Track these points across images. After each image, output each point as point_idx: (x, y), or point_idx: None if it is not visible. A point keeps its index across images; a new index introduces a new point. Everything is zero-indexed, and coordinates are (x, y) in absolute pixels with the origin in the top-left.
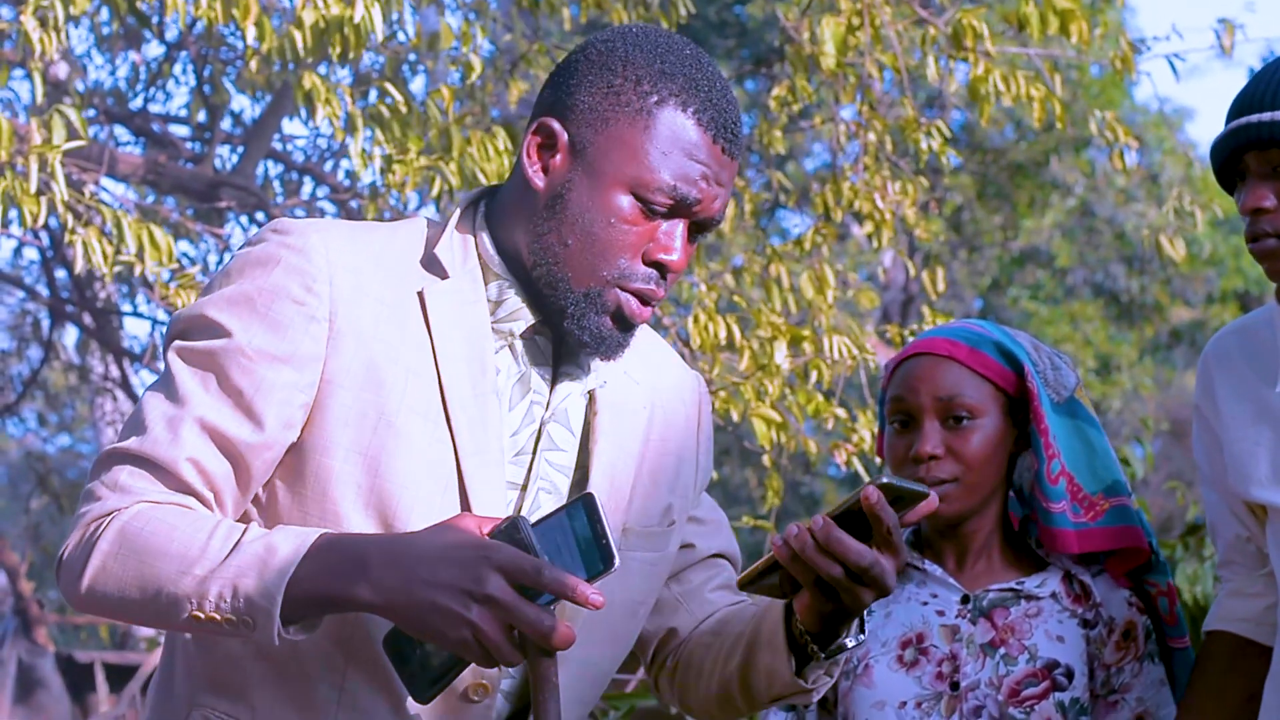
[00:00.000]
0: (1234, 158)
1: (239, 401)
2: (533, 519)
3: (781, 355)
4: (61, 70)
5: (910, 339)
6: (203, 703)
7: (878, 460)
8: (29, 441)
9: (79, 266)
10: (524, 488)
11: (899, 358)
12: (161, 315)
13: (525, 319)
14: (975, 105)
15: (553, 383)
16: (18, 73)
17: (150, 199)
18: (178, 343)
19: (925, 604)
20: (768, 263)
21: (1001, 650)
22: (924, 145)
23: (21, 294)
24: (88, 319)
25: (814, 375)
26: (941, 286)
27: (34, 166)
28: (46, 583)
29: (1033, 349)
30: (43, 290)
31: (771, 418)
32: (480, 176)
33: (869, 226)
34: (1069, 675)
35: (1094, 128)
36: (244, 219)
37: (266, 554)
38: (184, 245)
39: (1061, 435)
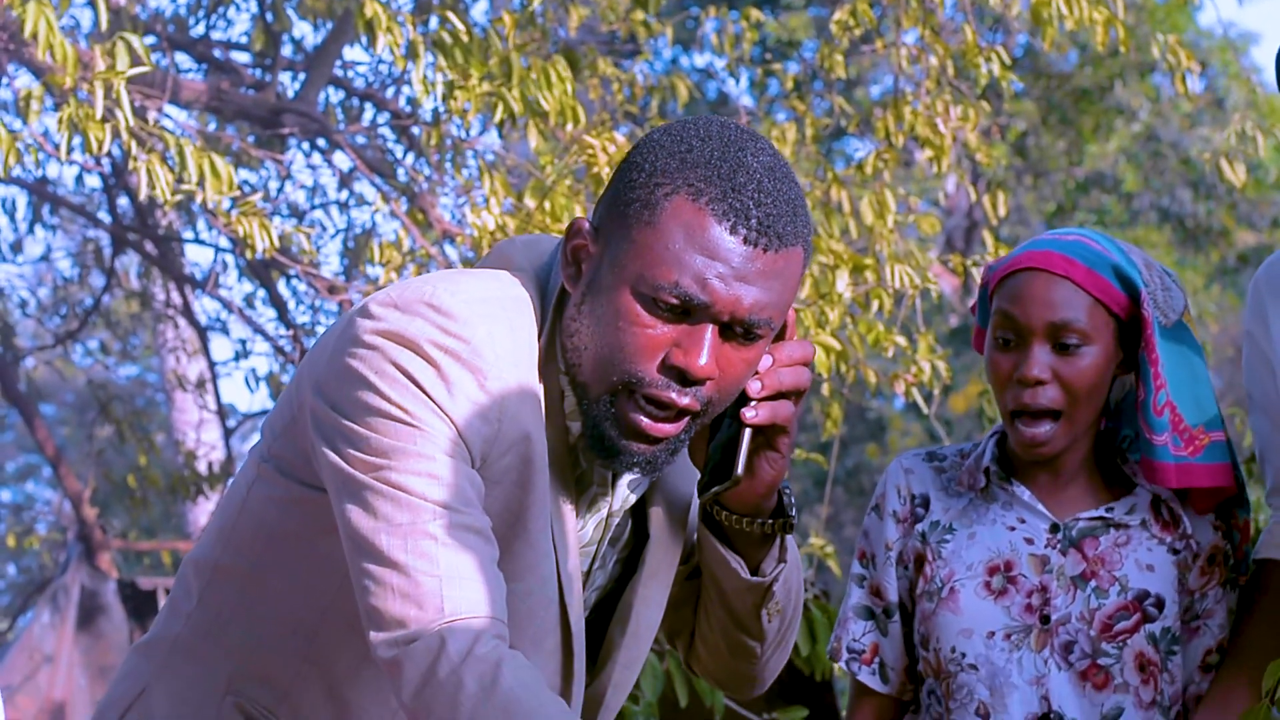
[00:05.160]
0: None
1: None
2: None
3: (843, 284)
4: None
5: (972, 270)
6: (242, 690)
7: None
8: (94, 370)
9: (143, 194)
10: (586, 574)
11: (1009, 267)
12: (224, 242)
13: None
14: (1038, 29)
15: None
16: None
17: (213, 126)
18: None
19: (1012, 529)
20: (828, 188)
21: (1093, 583)
22: (985, 70)
23: (83, 221)
24: (149, 246)
25: (875, 304)
26: (1003, 211)
27: (99, 93)
28: (109, 509)
29: (1145, 268)
30: (105, 217)
31: (831, 345)
32: (543, 102)
33: (929, 152)
34: (1159, 605)
35: (1157, 52)
36: (305, 145)
37: None
38: (245, 173)
39: (1168, 363)
